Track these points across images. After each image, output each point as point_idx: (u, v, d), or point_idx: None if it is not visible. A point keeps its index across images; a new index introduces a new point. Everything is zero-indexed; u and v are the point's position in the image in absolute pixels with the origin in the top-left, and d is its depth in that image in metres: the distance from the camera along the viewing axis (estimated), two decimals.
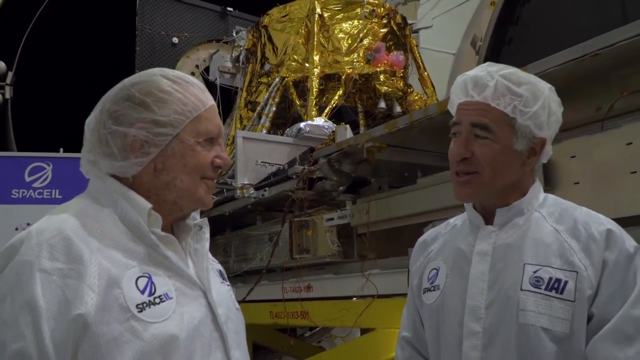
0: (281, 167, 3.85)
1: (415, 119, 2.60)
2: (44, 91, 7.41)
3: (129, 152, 1.25)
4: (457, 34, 7.82)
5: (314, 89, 4.73)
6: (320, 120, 4.41)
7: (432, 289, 1.49)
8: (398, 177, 3.27)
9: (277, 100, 4.95)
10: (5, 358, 1.05)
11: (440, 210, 2.57)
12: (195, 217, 1.40)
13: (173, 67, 7.32)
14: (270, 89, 5.03)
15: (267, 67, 5.32)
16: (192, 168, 1.29)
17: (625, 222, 1.90)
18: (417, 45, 5.79)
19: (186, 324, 1.20)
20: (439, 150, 2.71)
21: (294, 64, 5.05)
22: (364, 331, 3.30)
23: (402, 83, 5.13)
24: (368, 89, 5.04)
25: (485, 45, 6.37)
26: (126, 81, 1.31)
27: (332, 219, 3.23)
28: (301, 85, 4.96)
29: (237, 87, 6.26)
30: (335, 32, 5.07)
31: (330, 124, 4.34)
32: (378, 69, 4.97)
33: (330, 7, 5.15)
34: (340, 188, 3.31)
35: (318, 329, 6.09)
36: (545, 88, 1.41)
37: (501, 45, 6.10)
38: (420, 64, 5.57)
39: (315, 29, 4.99)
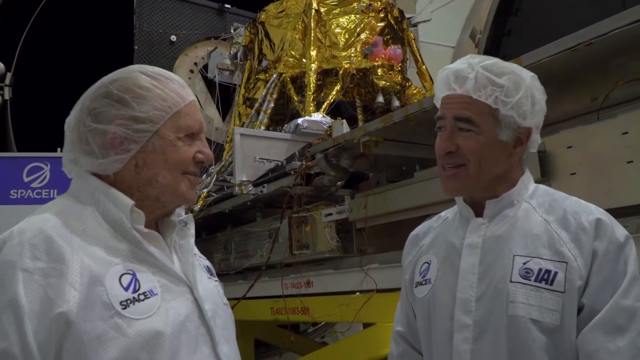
0: (279, 163, 3.85)
1: (410, 112, 2.59)
2: (42, 92, 7.42)
3: (108, 150, 1.25)
4: (456, 27, 7.81)
5: (312, 85, 4.71)
6: (318, 116, 4.39)
7: (424, 282, 1.48)
8: (396, 171, 3.27)
9: (274, 96, 4.94)
10: None
11: (438, 204, 2.55)
12: (180, 214, 1.40)
13: (172, 65, 7.35)
14: (268, 85, 5.02)
15: (264, 63, 5.31)
16: (173, 164, 1.28)
17: (622, 212, 1.90)
18: (415, 39, 5.77)
19: (171, 319, 1.20)
20: None
21: (291, 59, 5.03)
22: (366, 326, 3.30)
23: (400, 77, 5.11)
24: (366, 84, 5.03)
25: (485, 37, 6.35)
26: (105, 79, 1.31)
27: (330, 214, 3.23)
28: (299, 81, 4.95)
29: (235, 84, 6.26)
30: (332, 27, 5.05)
31: (328, 119, 4.33)
32: (376, 63, 4.95)
33: (327, 2, 5.13)
34: (339, 183, 3.30)
35: (321, 324, 6.11)
36: (527, 77, 1.40)
37: (501, 36, 6.07)
38: (419, 57, 5.55)
39: (312, 24, 4.97)
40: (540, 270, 1.28)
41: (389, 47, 5.08)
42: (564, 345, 1.26)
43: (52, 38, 7.62)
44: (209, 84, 7.33)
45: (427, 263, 1.50)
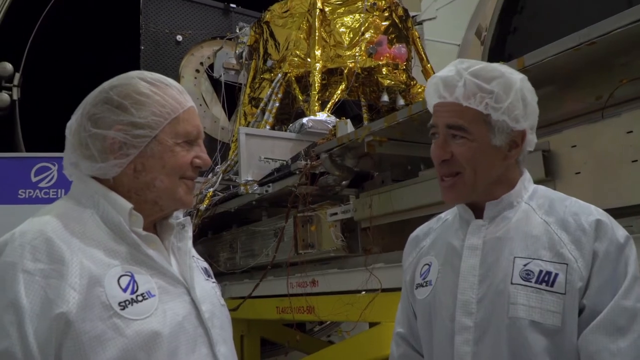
0: (284, 162, 3.86)
1: (414, 112, 2.59)
2: (50, 92, 7.45)
3: (108, 154, 1.28)
4: (462, 25, 7.78)
5: (317, 84, 4.71)
6: (323, 115, 4.39)
7: (425, 284, 1.49)
8: (401, 171, 3.27)
9: (280, 96, 4.95)
10: None
11: (443, 203, 2.55)
12: (178, 216, 1.42)
13: (178, 65, 7.37)
14: (273, 84, 5.03)
15: (269, 63, 5.32)
16: (171, 168, 1.31)
17: (626, 211, 1.90)
18: (420, 37, 5.76)
19: (169, 320, 1.22)
20: None
21: (296, 59, 5.03)
22: (372, 325, 3.31)
23: (405, 76, 5.11)
24: (371, 83, 5.02)
25: (490, 35, 6.35)
26: (105, 84, 1.33)
27: (335, 213, 3.24)
28: (304, 80, 4.95)
29: (241, 84, 6.27)
30: (337, 26, 5.04)
31: (333, 118, 4.33)
32: (380, 62, 4.94)
33: (331, 1, 5.12)
34: (343, 182, 3.31)
35: (327, 323, 6.12)
36: (517, 80, 1.39)
37: (506, 34, 6.07)
38: (424, 56, 5.54)
39: (317, 23, 4.97)
40: (540, 271, 1.29)
41: (393, 46, 5.07)
42: (565, 347, 1.26)
43: (59, 39, 7.65)
44: (215, 83, 7.34)
45: (428, 265, 1.51)
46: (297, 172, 3.43)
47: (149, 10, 7.34)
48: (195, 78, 7.48)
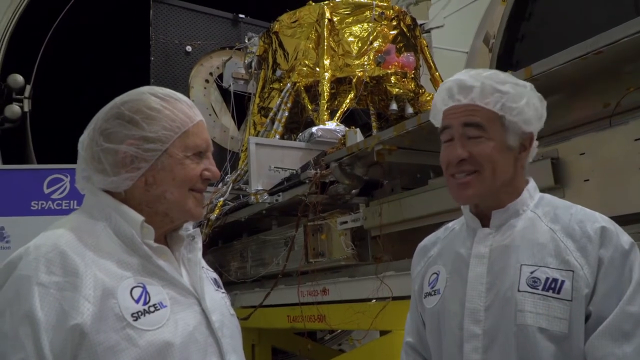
0: (294, 172, 3.88)
1: (423, 121, 2.60)
2: (61, 104, 7.53)
3: (120, 168, 1.30)
4: (470, 32, 7.79)
5: (325, 93, 4.74)
6: (332, 124, 4.42)
7: (433, 293, 1.50)
8: (410, 179, 3.28)
9: (289, 105, 4.98)
10: None
11: (453, 211, 2.57)
12: (188, 228, 1.44)
13: (187, 75, 7.42)
14: (282, 94, 5.06)
15: (278, 72, 5.36)
16: (181, 181, 1.34)
17: (634, 218, 1.91)
18: (428, 46, 5.78)
19: (180, 330, 1.24)
20: None
21: (304, 68, 5.07)
22: (383, 333, 3.31)
23: (413, 84, 5.13)
24: (379, 91, 5.05)
25: (498, 42, 6.35)
26: (117, 100, 1.36)
27: (345, 222, 3.25)
28: (313, 90, 4.98)
29: (250, 93, 6.31)
30: (345, 35, 5.08)
31: (342, 127, 4.35)
32: (389, 71, 4.97)
33: (340, 11, 5.17)
34: (353, 191, 3.33)
35: (338, 332, 6.11)
36: (527, 85, 1.44)
37: (514, 41, 6.07)
38: (432, 64, 5.57)
39: (325, 33, 5.01)
40: (547, 279, 1.30)
41: (401, 55, 5.10)
42: (573, 353, 1.27)
43: (70, 51, 7.74)
44: (224, 93, 7.39)
45: (436, 274, 1.52)
46: (307, 181, 3.45)
47: (158, 21, 7.42)
48: (205, 88, 7.54)
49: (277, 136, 4.84)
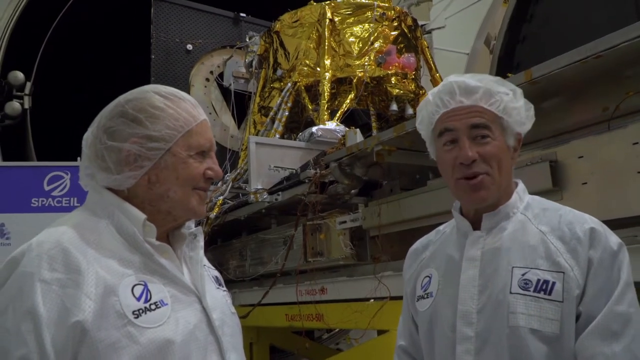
0: (294, 171, 3.89)
1: None
2: (61, 101, 7.54)
3: (123, 166, 1.31)
4: (471, 34, 7.79)
5: (326, 93, 4.75)
6: (332, 124, 4.43)
7: (425, 296, 1.51)
8: (409, 180, 3.29)
9: (289, 104, 4.99)
10: None
11: (451, 213, 2.58)
12: (190, 226, 1.45)
13: (188, 73, 7.43)
14: (283, 93, 5.07)
15: (279, 72, 5.37)
16: (184, 180, 1.34)
17: (632, 221, 1.92)
18: (428, 47, 5.80)
19: (181, 328, 1.25)
20: None
21: (305, 68, 5.08)
22: (380, 333, 3.33)
23: (413, 85, 5.14)
24: (380, 92, 5.06)
25: (499, 44, 6.35)
26: (121, 98, 1.37)
27: (344, 222, 3.26)
28: (313, 90, 5.00)
29: (251, 92, 6.32)
30: (346, 36, 5.09)
31: (342, 127, 4.37)
32: (389, 72, 4.98)
33: (341, 11, 5.18)
34: (352, 191, 3.34)
35: (335, 331, 6.13)
36: (518, 87, 1.47)
37: (515, 43, 6.07)
38: (432, 65, 5.58)
39: (326, 33, 5.02)
40: (538, 280, 1.31)
41: (402, 56, 5.11)
42: (564, 353, 1.28)
43: (71, 48, 7.74)
44: (225, 92, 7.40)
45: (428, 277, 1.53)
46: (307, 181, 3.47)
47: (159, 19, 7.43)
48: (205, 87, 7.55)
49: (277, 135, 4.85)
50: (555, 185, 2.18)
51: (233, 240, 4.66)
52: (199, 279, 1.38)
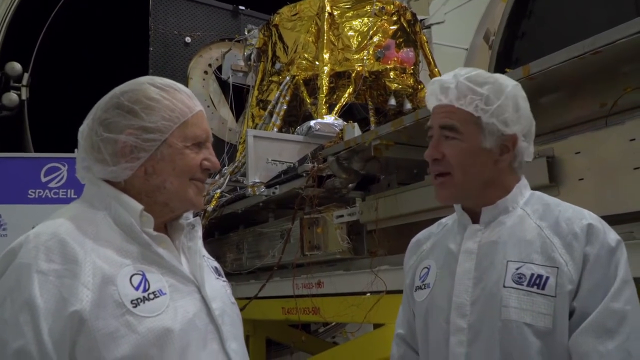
0: (291, 165, 3.89)
1: (421, 117, 2.62)
2: (59, 92, 7.51)
3: (119, 158, 1.31)
4: (470, 29, 7.78)
5: (324, 87, 4.75)
6: (330, 118, 4.43)
7: (423, 287, 1.53)
8: (407, 174, 3.30)
9: (287, 98, 4.98)
10: (7, 356, 1.11)
11: (449, 207, 2.58)
12: (188, 217, 1.45)
13: (186, 66, 7.41)
14: (281, 87, 5.06)
15: (277, 65, 5.35)
16: (180, 170, 1.35)
17: (628, 217, 1.93)
18: (427, 42, 5.79)
19: (180, 317, 1.25)
20: None
21: (304, 62, 5.07)
22: (376, 326, 3.34)
23: (412, 80, 5.14)
24: (378, 86, 5.05)
25: (498, 39, 6.34)
26: (116, 90, 1.37)
27: (342, 216, 3.26)
28: (311, 83, 4.99)
29: (249, 86, 6.30)
30: (345, 30, 5.08)
31: (340, 121, 4.36)
32: (388, 66, 4.97)
33: (340, 5, 5.16)
34: (350, 185, 3.34)
35: (332, 324, 6.14)
36: (509, 85, 1.44)
37: (514, 39, 6.07)
38: (431, 60, 5.57)
39: (325, 27, 5.01)
40: (532, 275, 1.32)
41: (401, 50, 5.11)
42: (557, 348, 1.29)
43: (68, 39, 7.71)
44: (223, 85, 7.38)
45: (427, 268, 1.55)
46: (304, 175, 3.47)
47: (158, 11, 7.40)
48: (204, 79, 7.53)
49: (275, 129, 4.85)
50: (552, 181, 2.18)
51: (230, 234, 4.66)
52: (198, 269, 1.38)
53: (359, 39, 5.06)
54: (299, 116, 5.18)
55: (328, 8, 5.09)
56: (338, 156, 3.21)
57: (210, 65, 7.62)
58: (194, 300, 1.31)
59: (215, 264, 1.54)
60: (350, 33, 5.07)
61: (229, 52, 7.32)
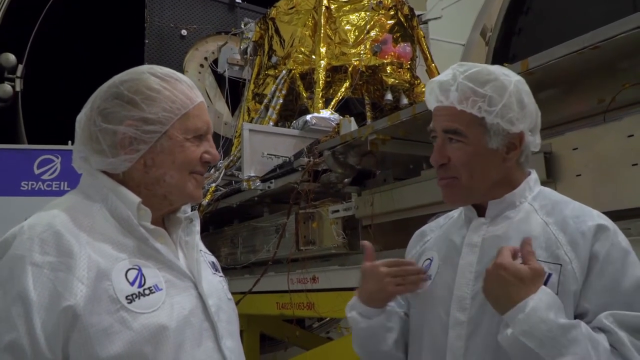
0: (287, 159, 3.87)
1: (418, 112, 2.61)
2: (53, 84, 7.46)
3: (118, 149, 1.28)
4: (467, 25, 7.77)
5: (321, 81, 4.73)
6: (326, 113, 4.41)
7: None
8: (403, 169, 3.29)
9: (284, 92, 4.96)
10: None
11: (444, 203, 2.57)
12: (186, 211, 1.43)
13: (182, 59, 7.37)
14: (277, 81, 5.04)
15: (274, 59, 5.33)
16: (180, 164, 1.32)
17: (626, 214, 1.92)
18: (425, 37, 5.77)
19: (176, 314, 1.23)
20: None
21: (300, 56, 5.05)
22: None
23: (409, 75, 5.12)
24: (375, 81, 5.03)
25: (495, 35, 6.33)
26: (115, 79, 1.34)
27: (337, 210, 3.25)
28: (308, 78, 4.96)
29: (245, 79, 6.28)
30: (342, 24, 5.05)
31: (336, 116, 4.35)
32: (385, 61, 4.96)
33: None
34: (346, 180, 3.33)
35: (326, 320, 6.14)
36: (512, 82, 1.39)
37: (511, 35, 6.06)
38: (428, 55, 5.55)
39: (322, 20, 4.98)
40: None
41: (398, 45, 5.09)
42: None
43: (63, 30, 7.65)
44: (219, 78, 7.35)
45: (430, 259, 1.52)
46: (300, 169, 3.45)
47: (154, 4, 7.36)
48: (199, 73, 7.49)
49: (271, 123, 4.82)
50: (549, 177, 2.17)
51: (225, 228, 4.64)
52: (195, 264, 1.35)
53: (356, 33, 5.04)
54: (295, 110, 5.16)
55: (325, 1, 5.06)
56: (334, 150, 3.19)
57: (206, 58, 7.59)
58: (190, 297, 1.29)
59: (213, 258, 1.52)
60: (348, 27, 5.05)
61: (225, 46, 7.29)
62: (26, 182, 5.26)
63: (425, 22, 7.65)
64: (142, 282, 1.22)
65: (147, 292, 1.21)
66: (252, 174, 3.93)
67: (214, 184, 4.38)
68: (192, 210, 1.45)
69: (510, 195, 1.42)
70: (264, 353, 5.25)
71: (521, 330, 1.18)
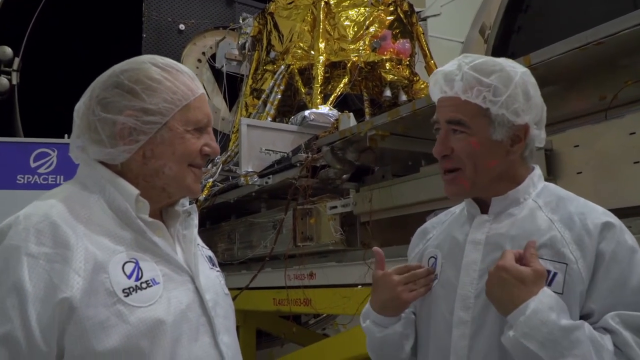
0: (285, 154, 3.86)
1: (418, 108, 2.59)
2: (50, 77, 7.42)
3: (117, 140, 1.26)
4: (466, 22, 7.76)
5: (319, 77, 4.71)
6: (325, 108, 4.40)
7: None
8: (402, 166, 3.27)
9: (282, 87, 4.94)
10: None
11: (443, 199, 2.56)
12: (184, 204, 1.41)
13: (180, 54, 7.34)
14: (276, 76, 5.02)
15: (272, 54, 5.31)
16: (180, 156, 1.29)
17: (627, 212, 1.90)
18: (424, 33, 5.75)
19: (173, 308, 1.21)
20: None
21: (299, 51, 5.03)
22: None
23: (408, 71, 5.11)
24: (374, 77, 5.02)
25: (494, 33, 6.32)
26: (116, 68, 1.31)
27: (335, 207, 3.24)
28: (306, 73, 4.95)
29: (243, 75, 6.26)
30: (341, 19, 5.04)
31: (335, 112, 4.33)
32: (384, 57, 4.94)
33: None
34: (344, 176, 3.31)
35: (323, 316, 6.14)
36: (518, 73, 1.36)
37: (510, 33, 6.05)
38: (427, 52, 5.54)
39: (321, 16, 4.97)
40: None
41: (397, 41, 5.07)
42: None
43: (60, 24, 7.61)
44: (217, 73, 7.33)
45: (434, 257, 1.50)
46: (298, 165, 3.44)
47: None
48: (197, 68, 7.46)
49: (269, 118, 4.81)
50: (550, 174, 2.16)
51: (222, 223, 4.62)
52: (192, 258, 1.33)
53: (355, 29, 5.02)
54: (293, 106, 5.14)
55: None
56: (333, 146, 3.18)
57: (204, 53, 7.55)
58: (188, 291, 1.27)
59: (210, 253, 1.50)
60: (347, 23, 5.04)
61: (223, 41, 7.27)
62: (22, 176, 5.23)
63: (424, 19, 7.64)
64: (140, 275, 1.19)
65: (144, 285, 1.19)
66: (250, 170, 3.91)
67: (211, 179, 4.35)
68: (191, 204, 1.43)
69: (513, 192, 1.39)
70: (260, 349, 5.23)
71: (522, 333, 1.17)
